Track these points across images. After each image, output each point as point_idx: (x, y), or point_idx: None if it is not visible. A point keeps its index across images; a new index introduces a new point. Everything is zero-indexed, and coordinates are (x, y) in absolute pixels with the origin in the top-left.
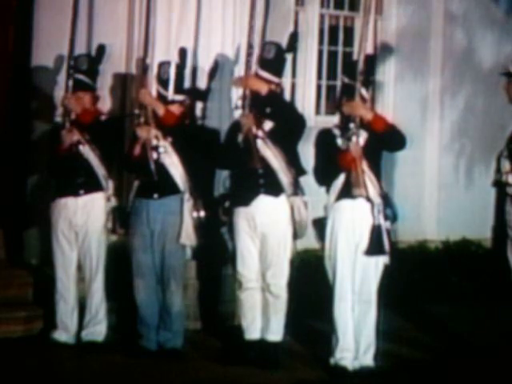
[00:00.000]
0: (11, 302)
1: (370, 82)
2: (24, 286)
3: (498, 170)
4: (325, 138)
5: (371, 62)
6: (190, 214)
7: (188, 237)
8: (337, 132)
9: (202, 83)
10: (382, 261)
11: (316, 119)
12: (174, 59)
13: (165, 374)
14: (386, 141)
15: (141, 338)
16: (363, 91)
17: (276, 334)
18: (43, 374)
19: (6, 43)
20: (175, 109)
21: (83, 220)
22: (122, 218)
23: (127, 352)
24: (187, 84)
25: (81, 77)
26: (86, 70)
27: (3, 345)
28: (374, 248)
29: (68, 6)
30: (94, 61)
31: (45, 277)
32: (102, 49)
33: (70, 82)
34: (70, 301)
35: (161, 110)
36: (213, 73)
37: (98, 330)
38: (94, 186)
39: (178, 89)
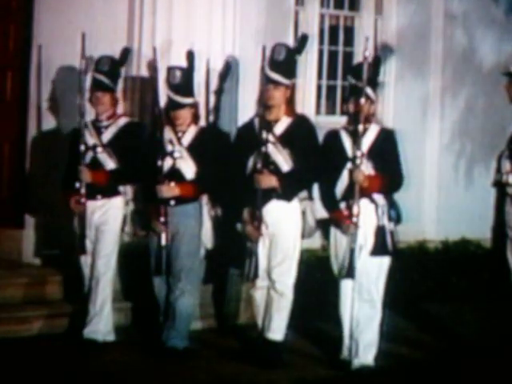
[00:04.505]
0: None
1: (376, 83)
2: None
3: (499, 170)
4: (331, 142)
5: (377, 63)
6: (208, 218)
7: (206, 240)
8: (344, 133)
9: (201, 84)
10: (386, 261)
11: (316, 119)
12: (173, 61)
13: (165, 373)
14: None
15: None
16: (370, 92)
17: (277, 332)
18: (44, 374)
19: (6, 43)
20: (186, 112)
21: (100, 219)
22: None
23: (149, 350)
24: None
25: (101, 77)
26: (107, 71)
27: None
28: (378, 249)
29: (68, 6)
30: (116, 63)
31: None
32: (126, 51)
33: (88, 82)
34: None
35: None
36: (224, 74)
37: (100, 328)
38: (111, 191)
39: (188, 92)
